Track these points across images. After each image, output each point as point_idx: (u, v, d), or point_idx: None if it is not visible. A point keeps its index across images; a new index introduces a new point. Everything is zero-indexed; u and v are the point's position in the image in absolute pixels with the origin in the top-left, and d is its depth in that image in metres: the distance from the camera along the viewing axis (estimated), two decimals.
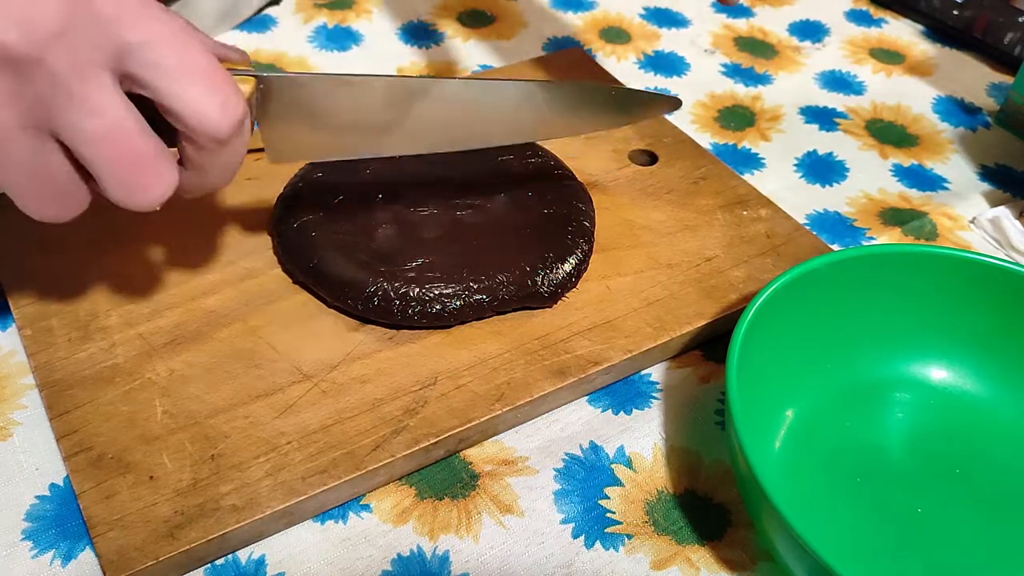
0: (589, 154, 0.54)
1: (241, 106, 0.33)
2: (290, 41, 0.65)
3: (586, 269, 0.46)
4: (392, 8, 0.70)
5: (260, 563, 0.36)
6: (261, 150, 0.39)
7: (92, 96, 0.31)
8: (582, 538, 0.38)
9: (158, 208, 0.34)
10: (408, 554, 0.37)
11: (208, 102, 0.32)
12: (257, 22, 0.66)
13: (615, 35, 0.69)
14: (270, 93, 0.36)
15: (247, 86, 0.36)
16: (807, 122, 0.62)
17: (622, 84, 0.47)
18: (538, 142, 0.52)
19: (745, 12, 0.74)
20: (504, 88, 0.41)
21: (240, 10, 0.65)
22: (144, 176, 0.32)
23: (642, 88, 0.47)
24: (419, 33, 0.67)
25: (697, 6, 0.74)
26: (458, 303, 0.42)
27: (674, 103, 0.46)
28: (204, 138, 0.33)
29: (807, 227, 0.52)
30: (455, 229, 0.46)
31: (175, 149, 0.34)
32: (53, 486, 0.38)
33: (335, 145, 0.39)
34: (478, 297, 0.43)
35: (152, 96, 0.32)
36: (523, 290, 0.43)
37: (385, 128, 0.39)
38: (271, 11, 0.68)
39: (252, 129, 0.36)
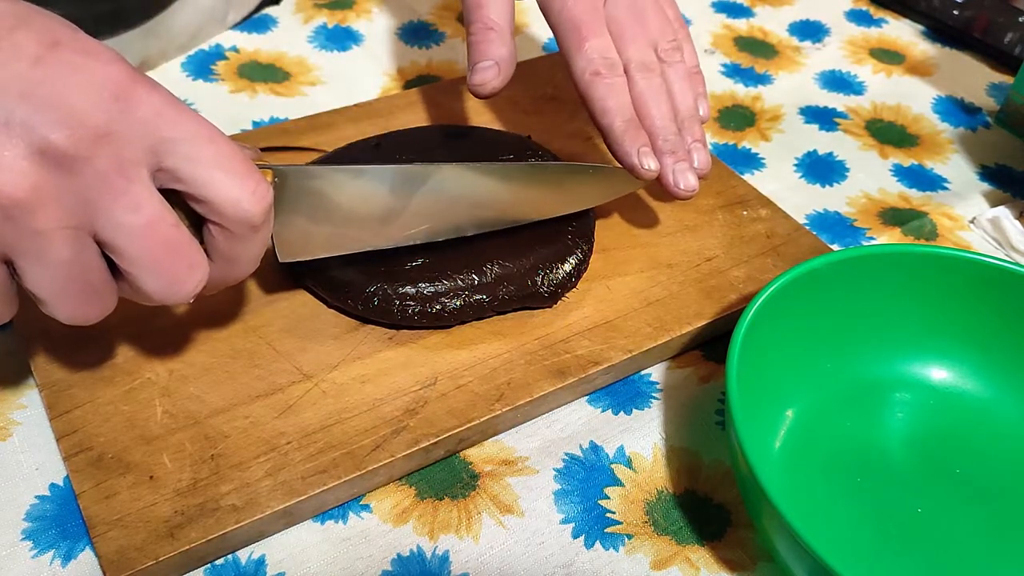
0: (589, 154, 0.54)
1: (270, 192, 0.34)
2: (290, 41, 0.65)
3: (586, 269, 0.46)
4: (392, 8, 0.70)
5: (260, 563, 0.36)
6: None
7: (135, 192, 0.31)
8: (582, 538, 0.38)
9: (191, 301, 0.35)
10: (408, 554, 0.37)
11: (241, 189, 0.33)
12: (257, 22, 0.66)
13: None
14: (284, 184, 0.38)
15: (265, 176, 0.37)
16: (807, 122, 0.62)
17: None
18: (524, 133, 0.52)
19: (745, 12, 0.74)
20: (498, 172, 0.43)
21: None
22: (181, 267, 0.33)
23: None
24: (419, 33, 0.67)
25: (697, 6, 0.74)
26: (458, 303, 0.42)
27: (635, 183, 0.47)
28: (237, 224, 0.34)
29: (807, 227, 0.52)
30: None
31: None
32: (53, 486, 0.38)
33: (342, 237, 0.41)
34: (478, 297, 0.43)
35: (187, 187, 0.33)
36: (523, 290, 0.43)
37: (389, 217, 0.41)
38: (271, 11, 0.68)
39: None
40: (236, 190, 0.33)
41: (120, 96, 0.31)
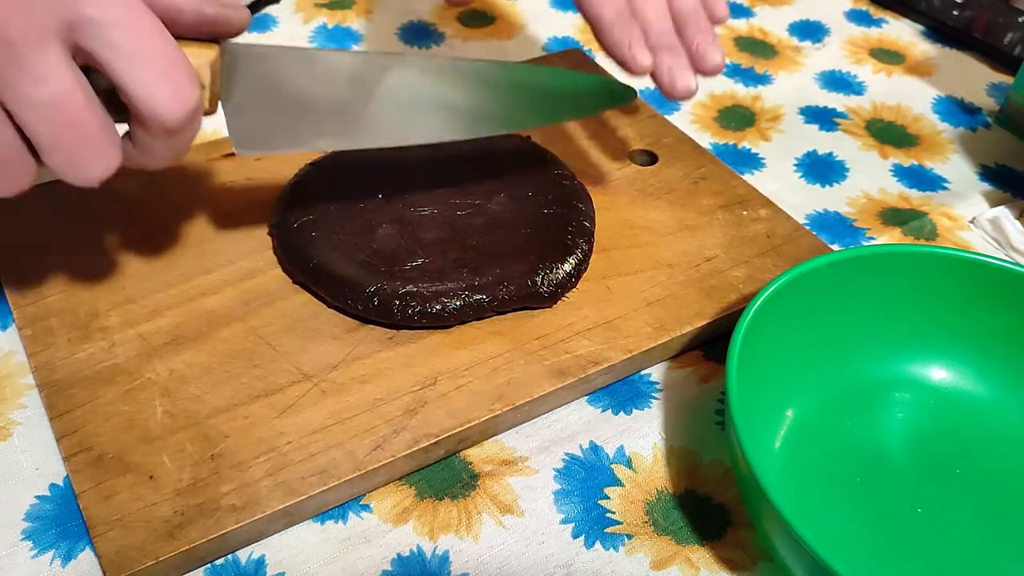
0: (589, 154, 0.54)
1: (193, 97, 0.32)
2: (290, 41, 0.65)
3: (586, 269, 0.46)
4: (392, 8, 0.70)
5: (260, 563, 0.36)
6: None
7: (42, 64, 0.30)
8: (582, 538, 0.38)
9: (98, 185, 0.33)
10: (408, 554, 0.37)
11: (161, 90, 0.31)
12: (257, 22, 0.66)
13: None
14: (235, 64, 0.36)
15: (211, 51, 0.35)
16: (807, 122, 0.62)
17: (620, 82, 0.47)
18: (524, 133, 0.52)
19: (745, 12, 0.74)
20: (467, 69, 0.40)
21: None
22: (87, 151, 0.32)
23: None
24: (419, 33, 0.67)
25: None
26: (458, 303, 0.42)
27: (629, 94, 0.45)
28: (152, 124, 0.32)
29: (807, 227, 0.52)
30: (455, 229, 0.46)
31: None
32: (53, 486, 0.38)
33: (301, 130, 0.38)
34: (478, 297, 0.43)
35: (105, 74, 0.31)
36: (523, 290, 0.43)
37: (349, 110, 0.38)
38: (271, 11, 0.68)
39: (216, 108, 0.36)
40: (155, 91, 0.31)
41: None
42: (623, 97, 0.45)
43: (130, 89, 0.31)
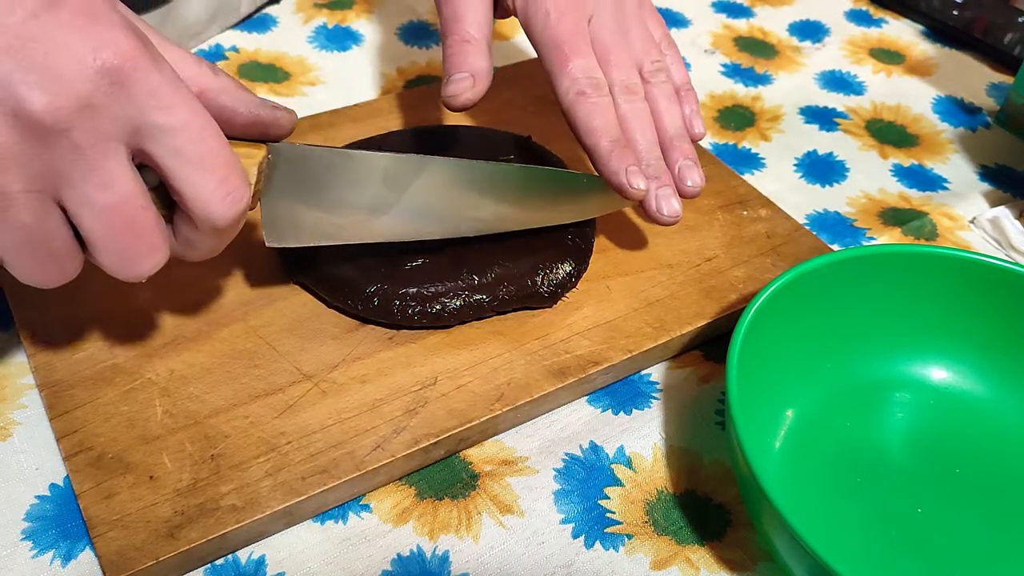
0: None
1: (245, 201, 0.34)
2: (290, 41, 0.65)
3: (586, 269, 0.46)
4: (392, 8, 0.70)
5: (260, 563, 0.36)
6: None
7: (107, 169, 0.30)
8: (582, 538, 0.38)
9: (144, 281, 0.34)
10: (408, 554, 0.37)
11: (214, 192, 0.33)
12: (257, 22, 0.66)
13: None
14: (277, 161, 0.37)
15: (260, 152, 0.36)
16: (807, 122, 0.62)
17: None
18: (524, 133, 0.52)
19: (745, 12, 0.74)
20: (494, 171, 0.42)
21: (230, 12, 0.65)
22: (140, 250, 0.33)
23: None
24: (419, 33, 0.67)
25: (697, 6, 0.74)
26: (458, 303, 0.42)
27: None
28: (204, 226, 0.33)
29: (807, 227, 0.52)
30: None
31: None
32: (53, 486, 0.38)
33: (331, 224, 0.40)
34: (478, 297, 0.43)
35: (163, 177, 0.32)
36: (523, 290, 0.43)
37: (380, 207, 0.40)
38: (271, 10, 0.68)
39: (257, 204, 0.37)
40: (208, 192, 0.32)
41: (114, 68, 0.29)
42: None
43: (186, 193, 0.32)
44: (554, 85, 0.45)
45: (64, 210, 0.31)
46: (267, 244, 0.39)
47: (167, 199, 0.34)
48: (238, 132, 0.36)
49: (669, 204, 0.44)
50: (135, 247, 0.32)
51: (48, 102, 0.28)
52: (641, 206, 0.45)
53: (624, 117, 0.45)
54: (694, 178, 0.46)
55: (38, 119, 0.28)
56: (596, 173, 0.45)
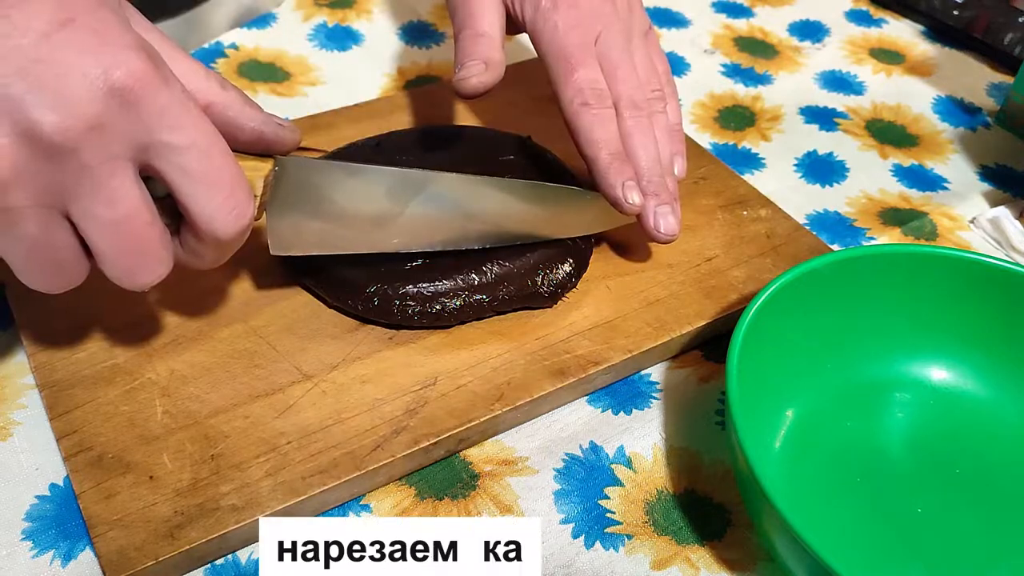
0: None
1: (249, 215, 0.34)
2: (290, 38, 0.65)
3: (586, 269, 0.46)
4: (392, 8, 0.70)
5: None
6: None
7: (115, 186, 0.31)
8: (582, 538, 0.38)
9: (147, 291, 0.35)
10: None
11: (219, 208, 0.33)
12: (257, 19, 0.66)
13: None
14: (283, 174, 0.38)
15: (266, 165, 0.37)
16: (807, 122, 0.62)
17: None
18: (523, 133, 0.52)
19: (745, 12, 0.74)
20: (496, 186, 0.43)
21: (249, 17, 0.65)
22: (144, 264, 0.33)
23: None
24: (419, 33, 0.67)
25: (697, 6, 0.74)
26: (458, 303, 0.42)
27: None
28: (210, 239, 0.34)
29: (807, 227, 0.52)
30: None
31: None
32: (53, 486, 0.38)
33: (335, 235, 0.40)
34: (478, 297, 0.43)
35: (171, 191, 0.33)
36: (523, 290, 0.43)
37: (383, 220, 0.41)
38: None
39: (262, 215, 0.38)
40: (214, 208, 0.33)
41: (124, 89, 0.30)
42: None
43: (193, 209, 0.33)
44: (558, 95, 0.45)
45: (71, 222, 0.32)
46: (271, 252, 0.39)
47: (173, 210, 0.34)
48: (243, 146, 0.37)
49: (667, 221, 0.44)
50: (140, 260, 0.33)
51: (59, 123, 0.29)
52: (638, 221, 0.45)
53: (627, 131, 0.45)
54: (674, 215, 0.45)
55: (49, 139, 0.29)
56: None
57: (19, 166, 0.29)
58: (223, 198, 0.33)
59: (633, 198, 0.43)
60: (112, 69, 0.29)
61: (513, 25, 0.48)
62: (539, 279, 0.44)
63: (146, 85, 0.30)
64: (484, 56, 0.44)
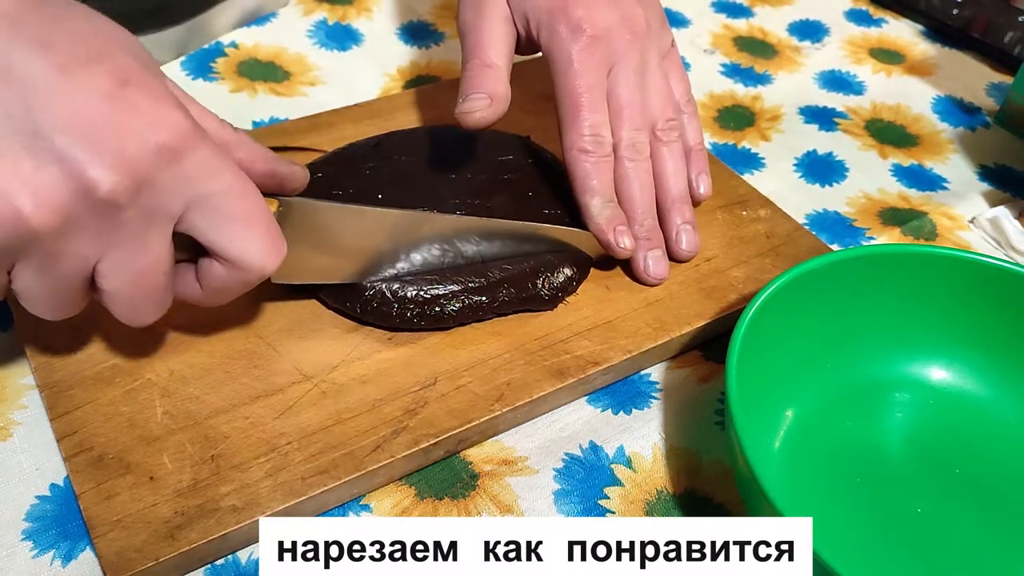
0: None
1: (284, 247, 0.36)
2: (290, 36, 0.65)
3: (588, 274, 0.46)
4: (392, 8, 0.69)
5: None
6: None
7: (150, 238, 0.33)
8: None
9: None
10: None
11: (261, 247, 0.35)
12: (257, 17, 0.66)
13: None
14: (288, 213, 0.39)
15: (272, 205, 0.38)
16: (807, 122, 0.62)
17: None
18: (537, 144, 0.52)
19: (745, 12, 0.74)
20: (494, 228, 0.44)
21: (251, 17, 0.65)
22: (151, 309, 0.36)
23: None
24: (419, 33, 0.67)
25: (697, 6, 0.74)
26: (457, 305, 0.42)
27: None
28: (251, 274, 0.35)
29: (807, 227, 0.52)
30: None
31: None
32: (53, 486, 0.38)
33: (336, 268, 0.42)
34: (477, 299, 0.43)
35: (205, 240, 0.34)
36: (523, 292, 0.43)
37: (384, 256, 0.42)
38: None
39: None
40: (256, 246, 0.35)
41: (174, 148, 0.32)
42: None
43: (232, 248, 0.34)
44: (561, 134, 0.46)
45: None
46: (273, 281, 0.40)
47: (187, 245, 0.35)
48: (255, 182, 0.38)
49: (657, 266, 0.46)
50: (148, 306, 0.35)
51: (116, 183, 0.31)
52: (630, 264, 0.46)
53: (623, 176, 0.46)
54: (690, 242, 0.47)
55: (103, 196, 0.31)
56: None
57: (72, 218, 0.31)
58: (262, 235, 0.35)
59: (624, 242, 0.45)
60: (162, 130, 0.32)
61: (531, 46, 0.48)
62: (540, 282, 0.44)
63: (189, 142, 0.32)
64: (490, 90, 0.45)
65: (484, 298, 0.43)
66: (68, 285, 0.33)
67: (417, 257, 0.43)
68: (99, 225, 0.32)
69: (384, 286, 0.42)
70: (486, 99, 0.45)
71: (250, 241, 0.35)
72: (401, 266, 0.43)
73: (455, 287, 0.42)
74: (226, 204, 0.34)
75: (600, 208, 0.45)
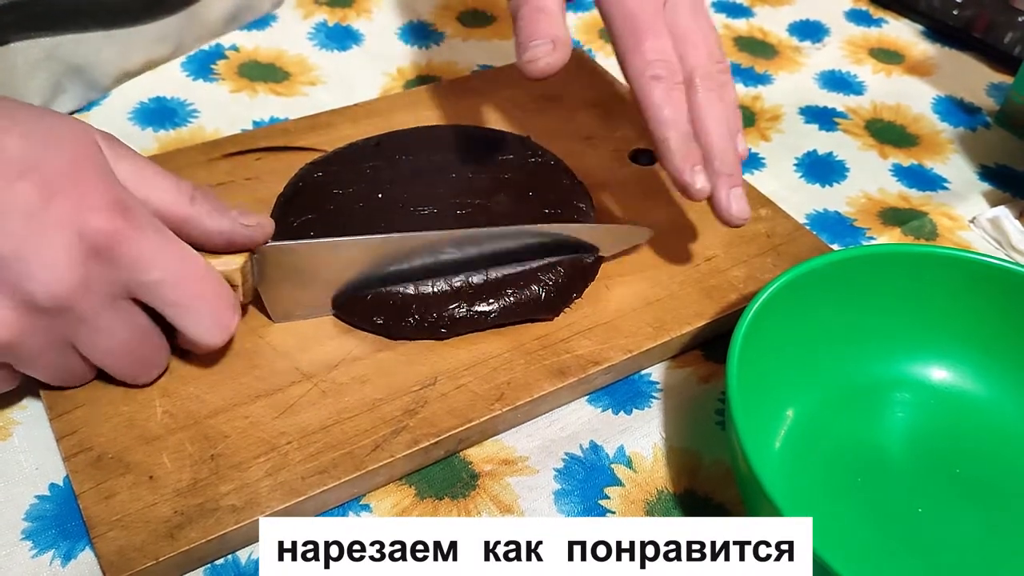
0: (589, 154, 0.54)
1: (235, 323, 0.38)
2: (290, 38, 0.65)
3: (592, 280, 0.46)
4: (392, 8, 0.70)
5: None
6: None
7: (107, 323, 0.35)
8: None
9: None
10: None
11: (208, 326, 0.37)
12: (257, 20, 0.66)
13: None
14: (264, 261, 0.40)
15: (243, 258, 0.39)
16: (807, 122, 0.62)
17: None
18: (538, 143, 0.52)
19: (745, 12, 0.74)
20: (486, 237, 0.43)
21: (250, 12, 0.65)
22: (144, 370, 0.38)
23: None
24: (419, 33, 0.67)
25: None
26: (455, 316, 0.42)
27: (644, 233, 0.47)
28: (201, 348, 0.39)
29: (807, 227, 0.52)
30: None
31: None
32: (53, 486, 0.38)
33: (333, 296, 0.42)
34: (477, 309, 0.42)
35: (161, 314, 0.37)
36: (523, 300, 0.43)
37: (373, 277, 0.42)
38: None
39: (251, 297, 0.41)
40: (200, 328, 0.37)
41: (103, 248, 0.34)
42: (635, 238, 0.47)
43: (181, 328, 0.37)
44: (625, 64, 0.43)
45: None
46: (275, 322, 0.42)
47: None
48: (215, 249, 0.39)
49: (740, 204, 0.43)
50: (140, 369, 0.38)
51: (51, 294, 0.33)
52: (709, 203, 0.43)
53: (700, 106, 0.43)
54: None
55: (44, 305, 0.33)
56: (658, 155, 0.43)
57: (25, 328, 0.34)
58: (204, 318, 0.37)
59: (702, 183, 0.41)
60: (90, 235, 0.33)
61: None
62: (540, 291, 0.43)
63: (120, 240, 0.34)
64: (551, 34, 0.41)
65: (484, 308, 0.42)
66: (61, 370, 0.37)
67: (409, 269, 0.42)
68: (54, 325, 0.34)
69: (384, 290, 0.42)
70: (549, 44, 0.41)
71: (193, 324, 0.37)
72: (394, 278, 0.42)
73: (454, 300, 0.42)
74: (163, 292, 0.36)
75: (678, 143, 0.41)
